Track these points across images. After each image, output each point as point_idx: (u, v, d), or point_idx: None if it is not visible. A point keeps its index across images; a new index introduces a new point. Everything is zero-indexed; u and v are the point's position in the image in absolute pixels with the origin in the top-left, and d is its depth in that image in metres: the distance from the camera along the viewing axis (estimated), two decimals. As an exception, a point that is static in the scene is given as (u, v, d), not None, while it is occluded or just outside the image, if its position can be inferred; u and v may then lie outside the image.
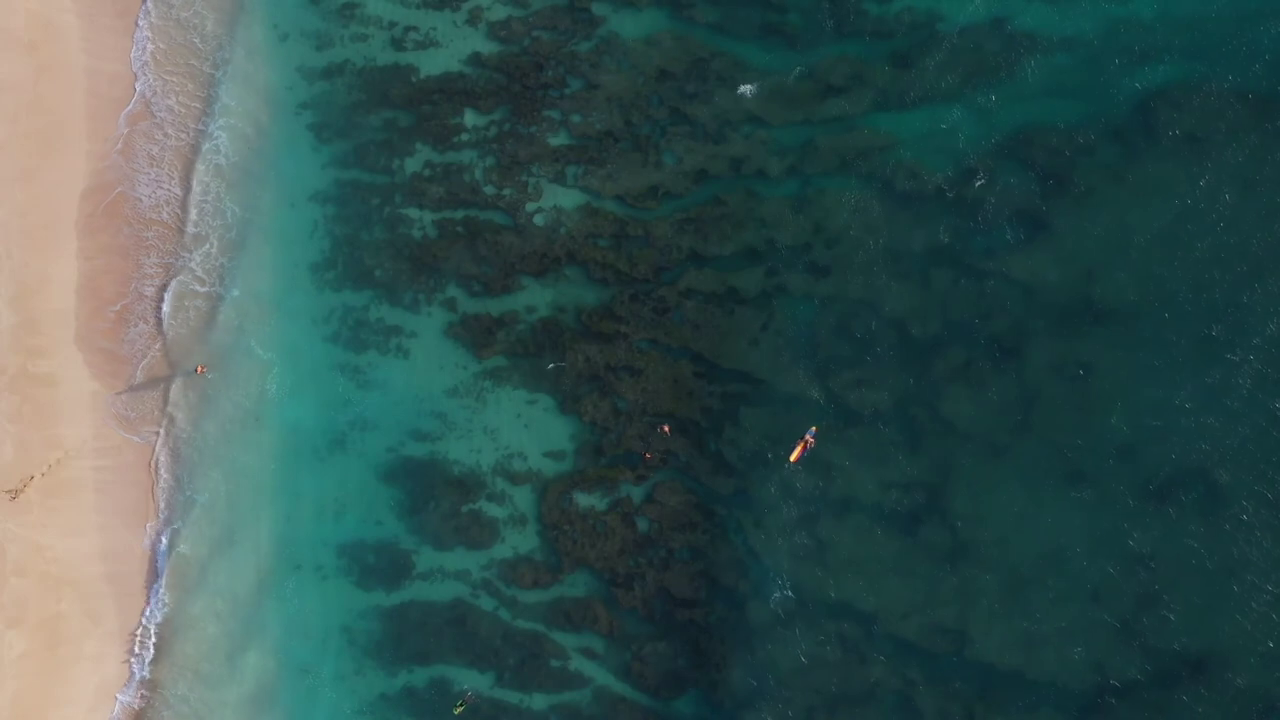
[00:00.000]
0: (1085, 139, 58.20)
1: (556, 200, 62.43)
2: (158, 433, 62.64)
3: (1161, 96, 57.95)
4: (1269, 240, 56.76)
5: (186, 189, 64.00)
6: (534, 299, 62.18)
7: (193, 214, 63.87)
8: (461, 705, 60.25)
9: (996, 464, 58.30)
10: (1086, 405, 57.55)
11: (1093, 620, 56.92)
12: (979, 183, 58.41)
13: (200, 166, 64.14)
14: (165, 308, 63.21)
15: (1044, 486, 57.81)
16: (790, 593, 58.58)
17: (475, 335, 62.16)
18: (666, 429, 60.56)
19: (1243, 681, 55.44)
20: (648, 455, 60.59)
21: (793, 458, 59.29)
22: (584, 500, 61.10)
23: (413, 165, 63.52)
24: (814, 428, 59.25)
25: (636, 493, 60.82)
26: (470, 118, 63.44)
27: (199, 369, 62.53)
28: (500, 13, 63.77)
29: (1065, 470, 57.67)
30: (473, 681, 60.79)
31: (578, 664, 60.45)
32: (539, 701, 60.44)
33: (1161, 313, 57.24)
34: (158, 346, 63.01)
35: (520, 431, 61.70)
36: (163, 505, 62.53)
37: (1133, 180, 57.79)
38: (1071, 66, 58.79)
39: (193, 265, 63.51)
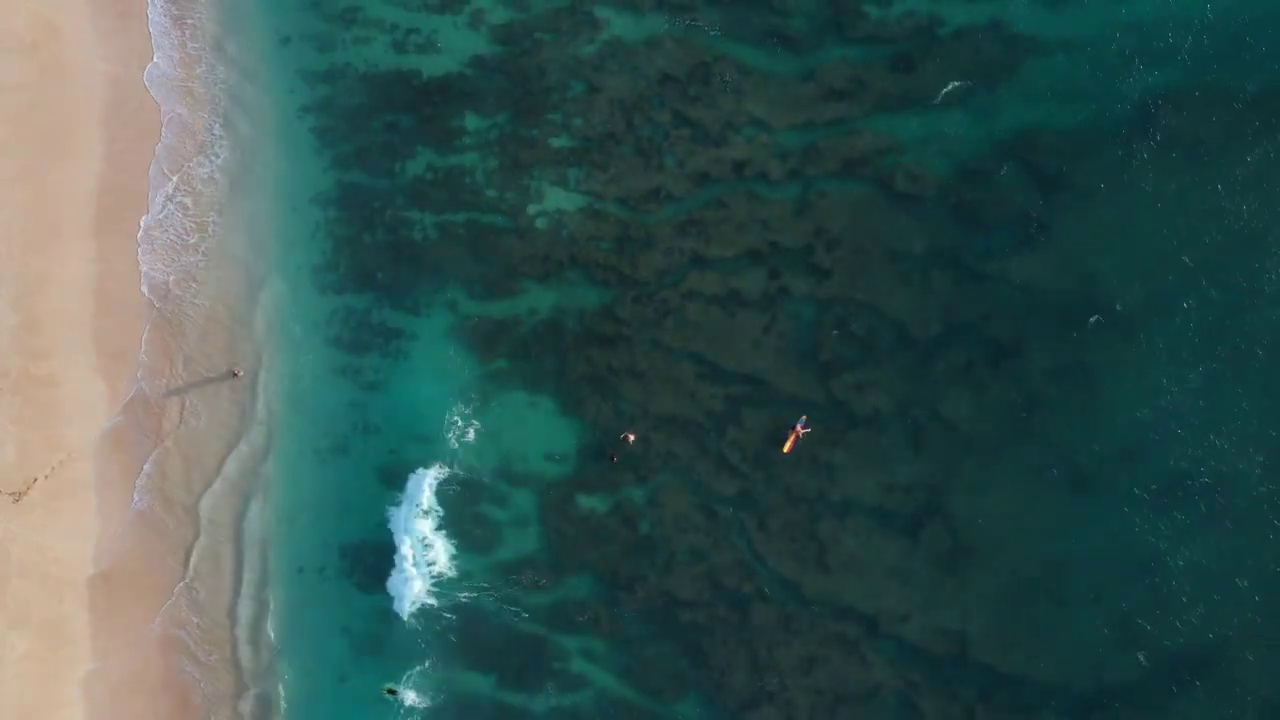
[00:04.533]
0: (1086, 141, 58.69)
1: (558, 203, 62.59)
2: (160, 434, 62.58)
3: (1162, 99, 58.48)
4: (1271, 242, 57.19)
5: (188, 192, 63.97)
6: (536, 301, 62.26)
7: (194, 217, 63.81)
8: (391, 690, 60.35)
9: (997, 466, 58.57)
10: (1087, 407, 57.93)
11: (1093, 621, 57.17)
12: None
13: (202, 170, 64.15)
14: (165, 310, 63.13)
15: (1045, 488, 58.12)
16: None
17: (477, 338, 62.20)
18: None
19: (1243, 683, 55.68)
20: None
21: (785, 449, 59.51)
22: (586, 502, 61.12)
23: (414, 168, 63.62)
24: (804, 417, 59.47)
25: (638, 495, 60.85)
26: (472, 120, 63.59)
27: (235, 372, 62.45)
28: (502, 15, 63.99)
29: (1066, 472, 57.98)
30: (474, 684, 60.67)
31: (579, 666, 60.38)
32: (540, 703, 60.29)
33: (1163, 315, 57.66)
34: (159, 348, 62.91)
35: (522, 433, 61.65)
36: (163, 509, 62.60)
37: (1134, 182, 58.29)
38: (1072, 69, 59.33)
39: (194, 267, 63.48)
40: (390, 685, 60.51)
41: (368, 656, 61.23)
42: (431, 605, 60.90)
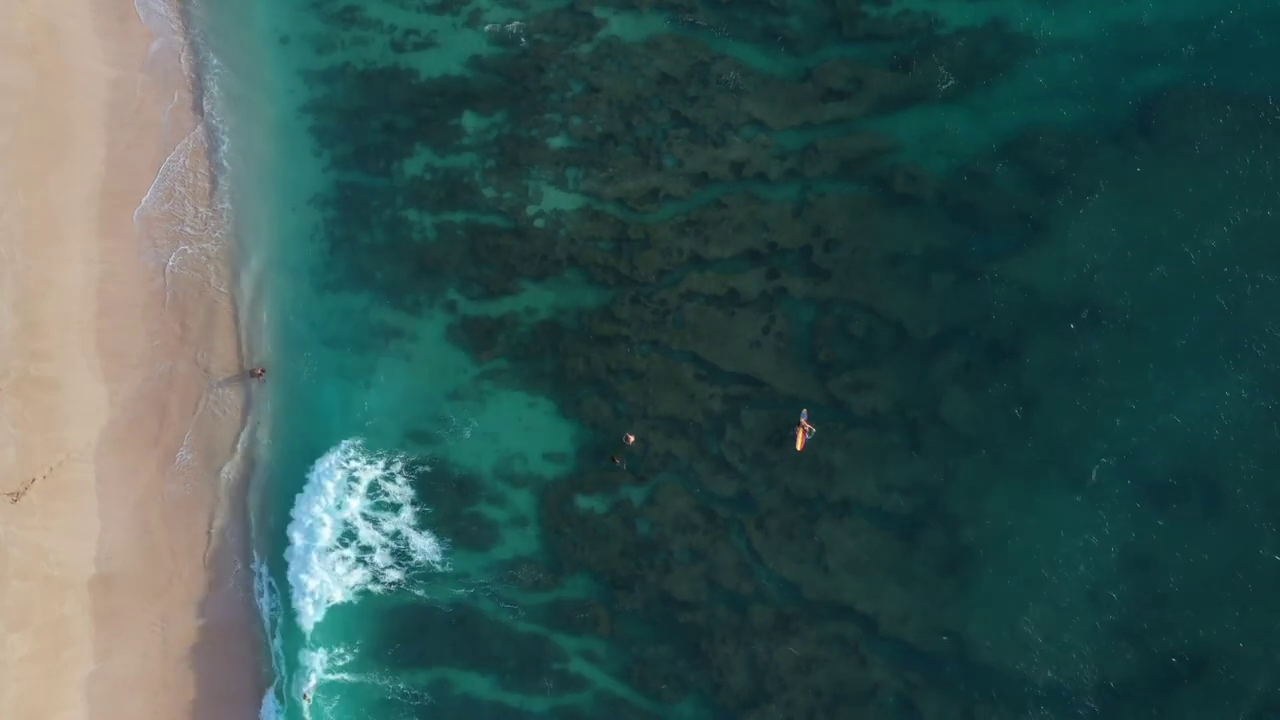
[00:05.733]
0: (1084, 141, 58.40)
1: (557, 203, 62.50)
2: (159, 433, 62.92)
3: (1161, 99, 58.11)
4: (1268, 242, 56.90)
5: (188, 193, 64.06)
6: (534, 301, 62.26)
7: (194, 218, 63.94)
8: (306, 696, 60.97)
9: (995, 466, 58.46)
10: (1085, 407, 57.72)
11: (1092, 621, 57.10)
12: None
13: (202, 171, 64.22)
14: (166, 310, 63.34)
15: (1043, 488, 58.00)
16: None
17: (475, 338, 62.24)
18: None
19: (1242, 682, 55.58)
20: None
21: (799, 447, 59.45)
22: (584, 503, 61.20)
23: (413, 168, 63.57)
24: (805, 411, 59.43)
25: (637, 495, 60.90)
26: (470, 120, 63.47)
27: (255, 372, 62.73)
28: (501, 15, 63.78)
29: (1064, 472, 57.83)
30: (473, 684, 60.91)
31: (578, 666, 60.56)
32: (539, 704, 60.53)
33: (1161, 315, 57.41)
34: (160, 348, 63.14)
35: (521, 434, 61.78)
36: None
37: (1132, 182, 58.00)
38: (1071, 69, 58.97)
39: (193, 267, 63.64)
40: (305, 690, 61.12)
41: (368, 659, 61.64)
42: (430, 606, 61.27)
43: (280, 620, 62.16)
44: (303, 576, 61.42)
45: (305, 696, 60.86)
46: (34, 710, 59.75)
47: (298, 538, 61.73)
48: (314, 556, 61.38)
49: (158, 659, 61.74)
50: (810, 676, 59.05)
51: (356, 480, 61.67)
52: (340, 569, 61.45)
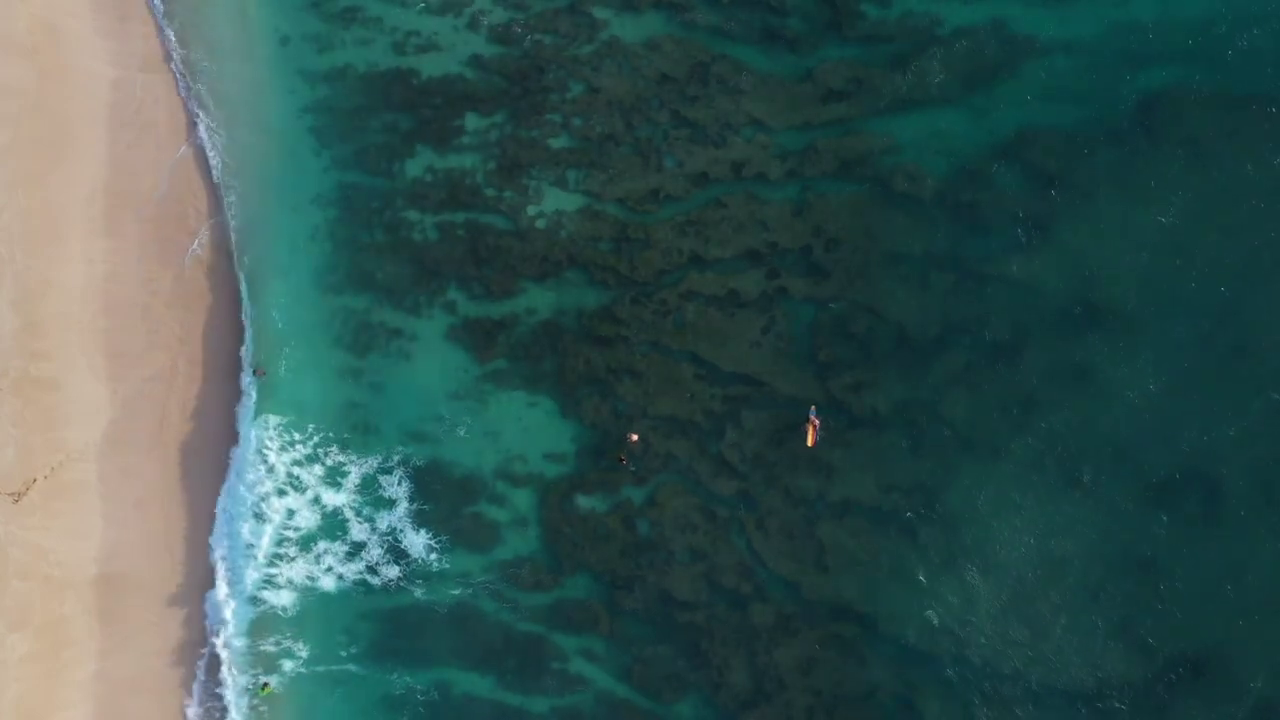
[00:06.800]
0: (1085, 142, 58.59)
1: (557, 203, 62.58)
2: (159, 433, 62.89)
3: (1161, 99, 58.32)
4: (1268, 243, 57.08)
5: (187, 193, 64.08)
6: (535, 302, 62.31)
7: (193, 218, 63.96)
8: (266, 689, 60.82)
9: (996, 466, 58.58)
10: (1086, 407, 57.88)
11: (1093, 621, 57.20)
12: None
13: (201, 171, 64.24)
14: (165, 310, 63.34)
15: (1043, 488, 58.13)
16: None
17: (476, 338, 62.29)
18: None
19: (1243, 682, 55.70)
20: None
21: (810, 443, 59.50)
22: (585, 503, 61.25)
23: (413, 168, 63.59)
24: (813, 406, 59.49)
25: (638, 495, 60.94)
26: (471, 121, 63.51)
27: (259, 371, 62.76)
28: (501, 16, 63.89)
29: (1065, 472, 57.99)
30: (472, 684, 60.91)
31: (578, 666, 60.59)
32: (539, 704, 60.54)
33: (1161, 315, 57.59)
34: (159, 348, 63.14)
35: (521, 434, 61.81)
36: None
37: (1132, 183, 58.19)
38: (1071, 69, 59.15)
39: (192, 266, 63.66)
40: (265, 680, 61.03)
41: (367, 658, 61.66)
42: (429, 606, 61.28)
43: (249, 612, 62.01)
44: (272, 569, 61.71)
45: (264, 686, 60.74)
46: (34, 710, 59.70)
47: (268, 529, 61.83)
48: (291, 548, 61.55)
49: (158, 659, 61.76)
50: (810, 676, 59.11)
51: (345, 474, 61.75)
52: (328, 562, 61.54)
